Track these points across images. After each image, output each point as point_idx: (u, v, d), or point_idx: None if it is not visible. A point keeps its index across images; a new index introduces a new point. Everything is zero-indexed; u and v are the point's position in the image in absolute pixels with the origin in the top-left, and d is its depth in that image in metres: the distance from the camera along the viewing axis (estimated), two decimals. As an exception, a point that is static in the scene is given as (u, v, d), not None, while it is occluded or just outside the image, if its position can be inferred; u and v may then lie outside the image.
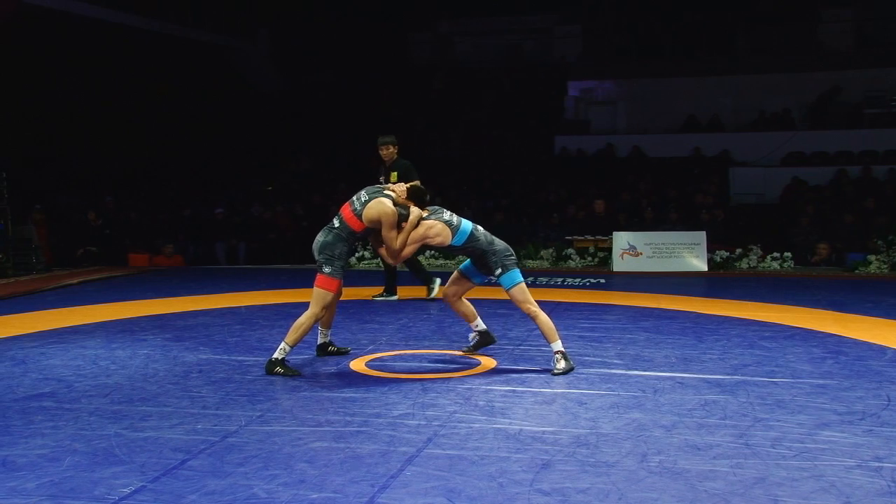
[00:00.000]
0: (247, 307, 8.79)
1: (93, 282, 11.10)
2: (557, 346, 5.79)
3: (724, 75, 18.76)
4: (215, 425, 4.59)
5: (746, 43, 19.97)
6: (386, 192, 5.80)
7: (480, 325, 6.26)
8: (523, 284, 5.82)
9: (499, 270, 5.79)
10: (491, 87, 20.84)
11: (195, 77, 18.86)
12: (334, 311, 6.22)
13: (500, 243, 5.91)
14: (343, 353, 6.31)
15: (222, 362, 6.17)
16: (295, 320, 5.72)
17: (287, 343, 5.65)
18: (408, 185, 5.98)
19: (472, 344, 6.33)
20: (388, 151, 8.87)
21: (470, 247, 5.84)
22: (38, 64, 15.12)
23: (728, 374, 5.71)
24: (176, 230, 14.69)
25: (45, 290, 10.27)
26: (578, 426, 4.55)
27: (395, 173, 8.65)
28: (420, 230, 5.78)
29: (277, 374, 5.58)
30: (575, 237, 13.00)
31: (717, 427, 4.52)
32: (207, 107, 18.62)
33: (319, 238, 5.78)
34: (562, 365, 5.74)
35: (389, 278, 9.18)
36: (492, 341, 6.33)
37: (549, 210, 14.90)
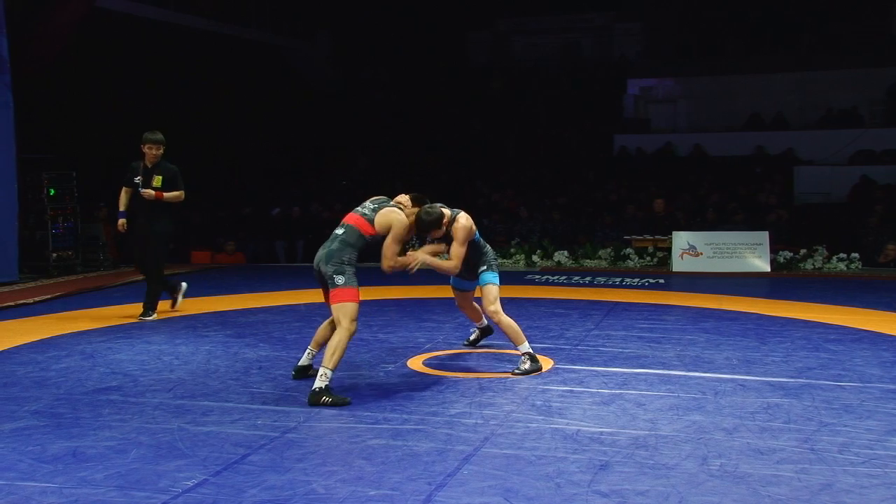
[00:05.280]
0: (306, 305, 8.89)
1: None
2: (525, 347, 5.83)
3: (789, 72, 18.32)
4: (275, 421, 4.66)
5: (812, 38, 19.47)
6: (395, 204, 5.48)
7: (483, 322, 6.56)
8: (497, 288, 5.91)
9: (484, 267, 5.96)
10: (549, 85, 20.73)
11: (255, 77, 19.17)
12: (330, 332, 5.43)
13: (489, 248, 6.11)
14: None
15: (281, 359, 6.26)
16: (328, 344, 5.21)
17: (327, 368, 5.05)
18: (410, 195, 5.68)
19: (471, 339, 6.67)
20: (158, 152, 8.05)
21: (477, 242, 5.94)
22: (104, 65, 15.53)
23: (792, 377, 5.58)
24: (237, 228, 14.96)
25: (111, 286, 10.54)
26: (637, 427, 4.50)
27: (160, 177, 8.02)
28: (467, 224, 5.71)
29: (325, 403, 4.97)
30: (633, 237, 12.85)
31: (781, 431, 4.42)
32: (266, 106, 18.91)
33: (322, 251, 5.29)
34: (526, 366, 5.77)
35: (153, 294, 8.22)
36: (490, 332, 6.61)
37: (609, 209, 14.76)
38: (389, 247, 5.29)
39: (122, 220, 8.28)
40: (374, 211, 5.36)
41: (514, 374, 5.73)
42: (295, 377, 5.63)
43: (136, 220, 8.13)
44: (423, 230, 5.57)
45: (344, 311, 5.11)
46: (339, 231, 5.36)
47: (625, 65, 20.53)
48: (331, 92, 21.18)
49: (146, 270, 8.25)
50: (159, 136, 8.09)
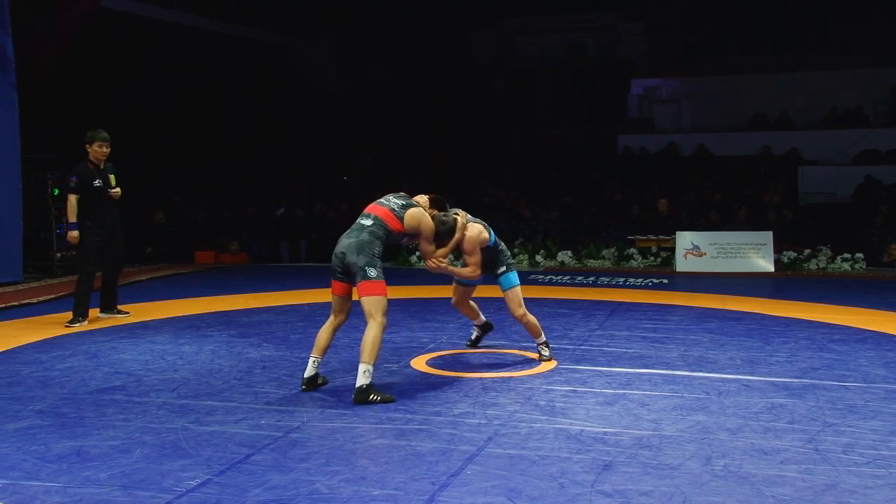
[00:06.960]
0: (309, 305, 8.90)
1: (160, 279, 11.37)
2: (542, 338, 6.17)
3: (793, 71, 18.29)
4: (278, 421, 4.66)
5: (817, 38, 19.44)
6: (415, 202, 5.47)
7: (482, 319, 6.57)
8: (520, 289, 6.10)
9: (503, 268, 6.06)
10: (553, 85, 20.73)
11: (258, 77, 19.19)
12: (332, 336, 5.39)
13: (503, 245, 6.21)
14: (325, 384, 5.45)
15: (285, 359, 6.27)
16: (363, 338, 5.02)
17: (368, 364, 4.96)
18: (429, 196, 5.70)
19: (472, 339, 6.65)
20: (108, 150, 7.68)
21: (493, 247, 6.01)
22: (108, 65, 15.56)
23: (796, 378, 5.57)
24: (241, 228, 14.98)
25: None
26: (641, 427, 4.49)
27: (113, 175, 7.77)
28: (475, 234, 5.81)
29: (374, 401, 4.93)
30: (637, 237, 12.85)
31: (785, 431, 4.41)
32: (270, 106, 18.92)
33: (349, 240, 5.14)
34: (546, 352, 6.09)
35: (83, 301, 7.86)
36: (490, 328, 6.65)
37: (612, 209, 14.76)
38: (427, 249, 5.51)
39: (76, 233, 7.71)
40: (403, 208, 5.32)
41: (540, 358, 6.07)
42: (305, 389, 5.29)
43: (97, 224, 7.70)
44: (438, 239, 5.55)
45: (377, 305, 5.04)
46: (367, 222, 5.23)
47: (628, 65, 20.52)
48: (334, 92, 21.19)
49: (115, 271, 8.07)
50: (106, 133, 7.76)
